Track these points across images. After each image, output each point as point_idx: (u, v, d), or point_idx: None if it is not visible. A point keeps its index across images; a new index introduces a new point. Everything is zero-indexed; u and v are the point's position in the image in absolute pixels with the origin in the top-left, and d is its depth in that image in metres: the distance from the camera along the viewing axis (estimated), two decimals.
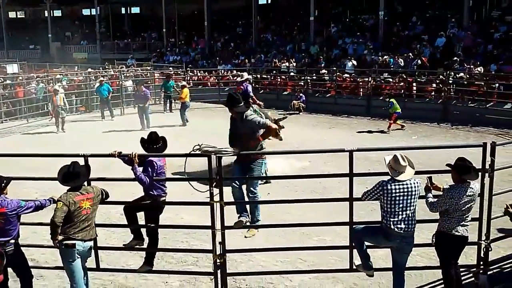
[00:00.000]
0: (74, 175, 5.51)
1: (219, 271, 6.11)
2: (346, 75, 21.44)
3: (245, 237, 6.69)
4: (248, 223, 6.60)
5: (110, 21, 40.40)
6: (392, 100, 16.54)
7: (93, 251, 5.91)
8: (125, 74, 23.04)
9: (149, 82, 23.75)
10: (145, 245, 6.43)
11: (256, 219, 6.80)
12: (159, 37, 36.69)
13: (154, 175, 6.05)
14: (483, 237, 6.06)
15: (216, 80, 24.78)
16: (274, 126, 6.38)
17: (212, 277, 6.19)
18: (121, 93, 21.36)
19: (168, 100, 21.16)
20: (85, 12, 43.12)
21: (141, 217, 6.44)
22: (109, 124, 18.59)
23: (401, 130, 16.38)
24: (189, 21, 36.86)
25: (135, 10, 42.39)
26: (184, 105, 18.52)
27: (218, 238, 6.00)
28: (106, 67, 28.03)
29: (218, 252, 6.03)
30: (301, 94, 20.84)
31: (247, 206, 6.77)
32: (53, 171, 5.71)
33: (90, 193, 5.56)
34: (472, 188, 5.56)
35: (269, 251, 6.72)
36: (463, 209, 5.52)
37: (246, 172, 6.78)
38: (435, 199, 5.67)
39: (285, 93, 22.74)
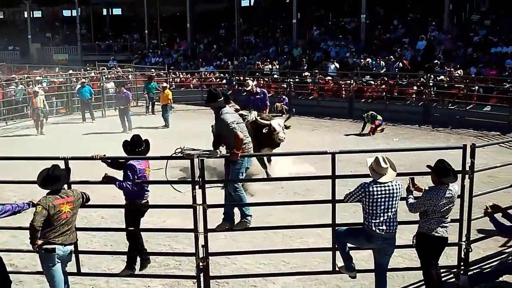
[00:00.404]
0: (54, 178, 5.42)
1: (202, 275, 6.08)
2: (329, 77, 21.55)
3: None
4: (227, 227, 6.52)
5: (91, 22, 39.95)
6: (371, 112, 16.54)
7: (73, 255, 5.83)
8: (106, 76, 22.81)
9: (130, 84, 23.61)
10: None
11: (246, 215, 6.57)
12: (141, 39, 36.44)
13: (136, 178, 5.99)
14: (464, 238, 6.14)
15: (199, 82, 24.71)
16: (241, 136, 6.23)
17: (195, 280, 6.16)
18: (102, 95, 21.16)
19: (150, 102, 21.06)
20: (66, 13, 42.59)
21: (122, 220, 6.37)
22: (90, 126, 18.42)
23: (382, 132, 16.52)
24: (172, 22, 36.67)
25: (117, 11, 42.02)
26: (165, 107, 18.38)
27: (201, 241, 5.97)
28: (88, 68, 27.75)
29: (201, 255, 6.00)
30: (284, 97, 20.88)
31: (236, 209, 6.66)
32: (33, 174, 5.62)
33: (70, 196, 5.48)
34: (451, 190, 5.63)
35: (252, 253, 6.70)
36: (442, 210, 5.60)
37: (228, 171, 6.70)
38: (415, 200, 5.74)
39: (268, 95, 22.68)
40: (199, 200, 5.90)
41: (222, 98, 6.51)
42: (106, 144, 14.90)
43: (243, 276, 6.57)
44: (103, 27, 41.01)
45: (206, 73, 26.00)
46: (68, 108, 21.59)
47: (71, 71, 24.83)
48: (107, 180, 5.97)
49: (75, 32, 37.68)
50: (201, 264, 6.03)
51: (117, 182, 5.91)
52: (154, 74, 23.37)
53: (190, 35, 31.72)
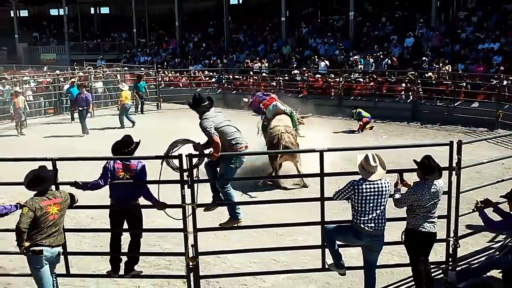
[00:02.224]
0: (41, 179, 5.37)
1: (192, 274, 6.07)
2: (318, 75, 21.58)
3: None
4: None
5: (79, 22, 39.67)
6: (358, 110, 16.68)
7: (62, 256, 5.78)
8: (94, 75, 22.66)
9: (117, 84, 23.53)
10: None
11: (234, 214, 6.51)
12: (130, 38, 36.21)
13: (109, 176, 5.98)
14: (452, 234, 6.19)
15: (188, 81, 24.65)
16: (217, 140, 6.18)
17: (185, 280, 6.15)
18: (91, 94, 20.96)
19: (140, 101, 20.95)
20: (53, 12, 42.25)
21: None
22: (78, 126, 18.24)
23: (371, 130, 16.60)
24: (160, 21, 36.53)
25: (105, 10, 41.73)
26: (124, 107, 18.25)
27: (191, 240, 5.96)
28: (75, 68, 27.55)
29: (190, 255, 5.99)
30: (273, 95, 20.85)
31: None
32: (20, 175, 5.57)
33: (58, 197, 5.43)
34: (436, 185, 5.67)
35: (243, 252, 6.70)
36: (427, 205, 5.64)
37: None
38: (400, 196, 5.78)
39: (258, 93, 22.68)
40: (188, 199, 5.89)
41: (207, 103, 6.44)
42: (94, 143, 14.94)
43: (233, 275, 6.57)
44: (91, 26, 40.74)
45: (195, 71, 25.94)
46: (56, 108, 21.42)
47: (58, 71, 24.62)
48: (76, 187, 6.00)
49: (63, 31, 37.40)
50: (191, 263, 6.02)
51: (87, 185, 5.98)
52: (143, 73, 23.26)
53: (178, 34, 31.61)
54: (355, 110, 16.88)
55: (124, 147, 6.20)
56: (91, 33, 39.74)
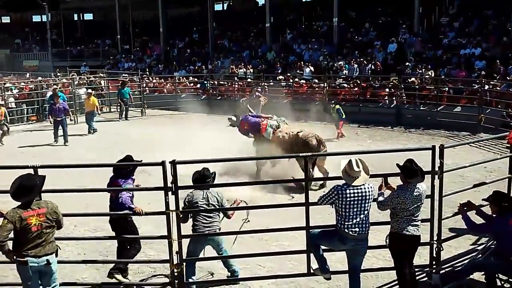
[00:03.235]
0: (25, 190, 5.21)
1: (176, 281, 6.03)
2: (303, 81, 21.68)
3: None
4: None
5: (62, 28, 39.36)
6: (338, 107, 16.44)
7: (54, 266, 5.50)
8: (77, 82, 22.48)
9: (101, 90, 23.43)
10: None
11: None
12: (113, 44, 36.05)
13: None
14: (435, 237, 6.24)
15: (173, 87, 24.58)
16: None
17: (169, 287, 6.11)
18: (74, 101, 20.80)
19: (124, 108, 20.84)
20: (36, 18, 41.91)
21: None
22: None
23: (355, 134, 16.70)
24: (144, 27, 36.42)
25: (88, 16, 41.54)
26: (91, 114, 18.20)
27: (175, 247, 5.93)
28: (58, 74, 27.29)
29: (175, 262, 5.95)
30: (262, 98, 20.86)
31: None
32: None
33: (42, 208, 5.24)
34: (419, 189, 5.72)
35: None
36: (410, 208, 5.68)
37: None
38: (384, 199, 5.82)
39: (243, 99, 22.72)
40: (172, 206, 5.86)
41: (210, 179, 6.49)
42: (78, 151, 14.80)
43: (218, 281, 6.54)
44: (74, 33, 40.44)
45: (180, 77, 25.88)
46: (39, 115, 21.18)
47: (40, 78, 24.38)
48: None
49: (46, 37, 37.06)
50: (175, 270, 5.99)
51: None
52: (127, 79, 23.15)
53: (163, 40, 31.54)
54: (333, 106, 16.55)
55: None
56: (74, 39, 39.45)
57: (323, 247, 5.93)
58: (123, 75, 25.89)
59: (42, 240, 5.25)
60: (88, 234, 8.11)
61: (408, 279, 5.82)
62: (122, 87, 20.84)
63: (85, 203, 7.98)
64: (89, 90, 19.96)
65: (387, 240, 5.93)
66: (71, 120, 17.55)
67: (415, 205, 5.71)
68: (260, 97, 18.18)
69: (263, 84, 21.86)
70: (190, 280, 6.22)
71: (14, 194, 5.24)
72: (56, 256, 5.38)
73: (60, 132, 16.44)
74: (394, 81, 18.76)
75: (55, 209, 5.33)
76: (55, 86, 19.97)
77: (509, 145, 7.29)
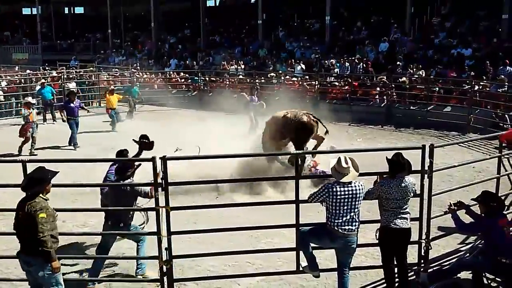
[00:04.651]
0: (37, 181, 5.13)
1: (165, 278, 6.01)
2: (294, 78, 21.68)
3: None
4: None
5: (52, 21, 38.96)
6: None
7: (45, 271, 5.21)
8: (66, 76, 22.24)
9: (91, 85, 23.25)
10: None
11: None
12: (104, 38, 35.78)
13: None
14: (423, 236, 6.28)
15: (164, 82, 24.46)
16: None
17: (159, 283, 6.09)
18: (63, 96, 20.60)
19: (134, 106, 20.53)
20: (26, 11, 41.43)
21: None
22: (51, 128, 17.92)
23: (346, 133, 16.74)
24: (136, 22, 36.19)
25: (79, 10, 41.15)
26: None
27: (164, 244, 5.90)
28: (47, 68, 27.02)
29: (164, 258, 5.93)
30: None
31: None
32: None
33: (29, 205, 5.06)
34: (406, 181, 5.75)
35: (217, 255, 6.65)
36: (396, 200, 5.70)
37: None
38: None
39: (234, 95, 22.67)
40: (162, 202, 5.83)
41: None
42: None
43: (207, 278, 6.53)
44: (64, 26, 40.06)
45: (171, 73, 25.75)
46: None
47: (28, 71, 24.10)
48: None
49: (36, 30, 36.69)
50: (164, 267, 5.96)
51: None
52: (134, 79, 22.60)
53: (154, 35, 31.36)
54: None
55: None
56: (64, 33, 39.07)
57: (312, 244, 5.94)
58: (114, 69, 25.70)
59: (27, 236, 5.10)
60: (76, 230, 8.06)
61: (394, 275, 5.86)
62: (132, 86, 20.65)
63: (74, 199, 7.94)
64: (112, 87, 19.16)
65: (377, 234, 5.96)
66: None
67: (402, 197, 5.73)
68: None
69: (254, 80, 21.84)
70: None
71: (27, 184, 5.16)
72: (41, 255, 5.07)
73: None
74: (384, 80, 18.81)
75: (37, 212, 5.02)
76: (42, 80, 19.75)
77: (498, 145, 7.34)
